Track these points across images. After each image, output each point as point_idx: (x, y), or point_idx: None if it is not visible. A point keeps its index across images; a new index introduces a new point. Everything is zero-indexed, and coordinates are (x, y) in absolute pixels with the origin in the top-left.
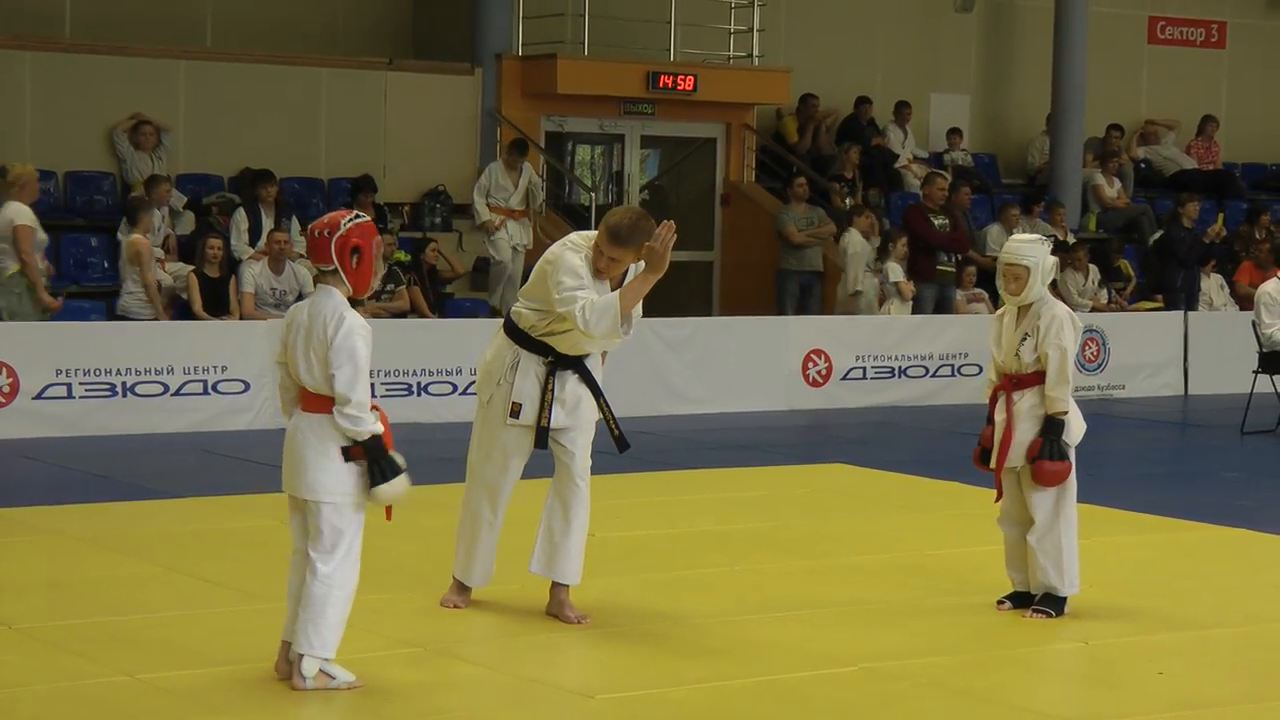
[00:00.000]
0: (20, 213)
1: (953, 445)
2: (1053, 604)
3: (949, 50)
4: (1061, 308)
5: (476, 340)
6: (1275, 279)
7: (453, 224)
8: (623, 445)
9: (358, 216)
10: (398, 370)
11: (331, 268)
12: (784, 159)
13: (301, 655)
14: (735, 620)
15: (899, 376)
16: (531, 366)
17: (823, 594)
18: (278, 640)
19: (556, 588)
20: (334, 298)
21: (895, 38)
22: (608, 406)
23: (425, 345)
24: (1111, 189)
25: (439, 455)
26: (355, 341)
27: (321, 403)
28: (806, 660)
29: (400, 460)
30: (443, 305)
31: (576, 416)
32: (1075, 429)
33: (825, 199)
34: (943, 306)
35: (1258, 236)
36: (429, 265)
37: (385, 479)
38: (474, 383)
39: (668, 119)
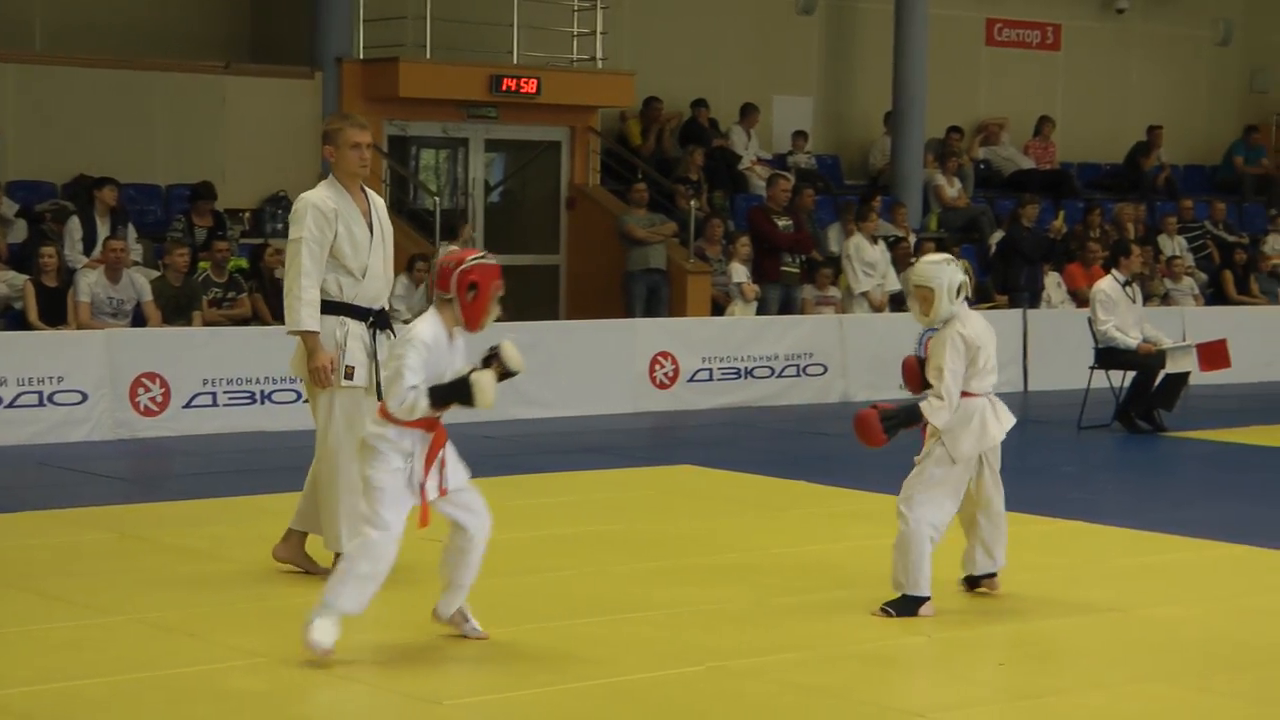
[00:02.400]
0: None
1: (799, 445)
2: (899, 605)
3: (791, 53)
4: (953, 328)
5: None
6: (1109, 277)
7: None
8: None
9: (484, 257)
10: (240, 378)
11: (449, 296)
12: (628, 162)
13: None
14: (584, 622)
15: (745, 377)
16: (360, 331)
17: (672, 594)
18: (120, 653)
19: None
20: (427, 318)
21: (738, 40)
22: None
23: (269, 352)
24: (952, 189)
25: (284, 464)
26: (403, 348)
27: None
28: (656, 660)
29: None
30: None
31: None
32: (964, 444)
33: (670, 202)
34: (787, 307)
35: (1092, 236)
36: (269, 270)
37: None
38: None
39: (511, 122)
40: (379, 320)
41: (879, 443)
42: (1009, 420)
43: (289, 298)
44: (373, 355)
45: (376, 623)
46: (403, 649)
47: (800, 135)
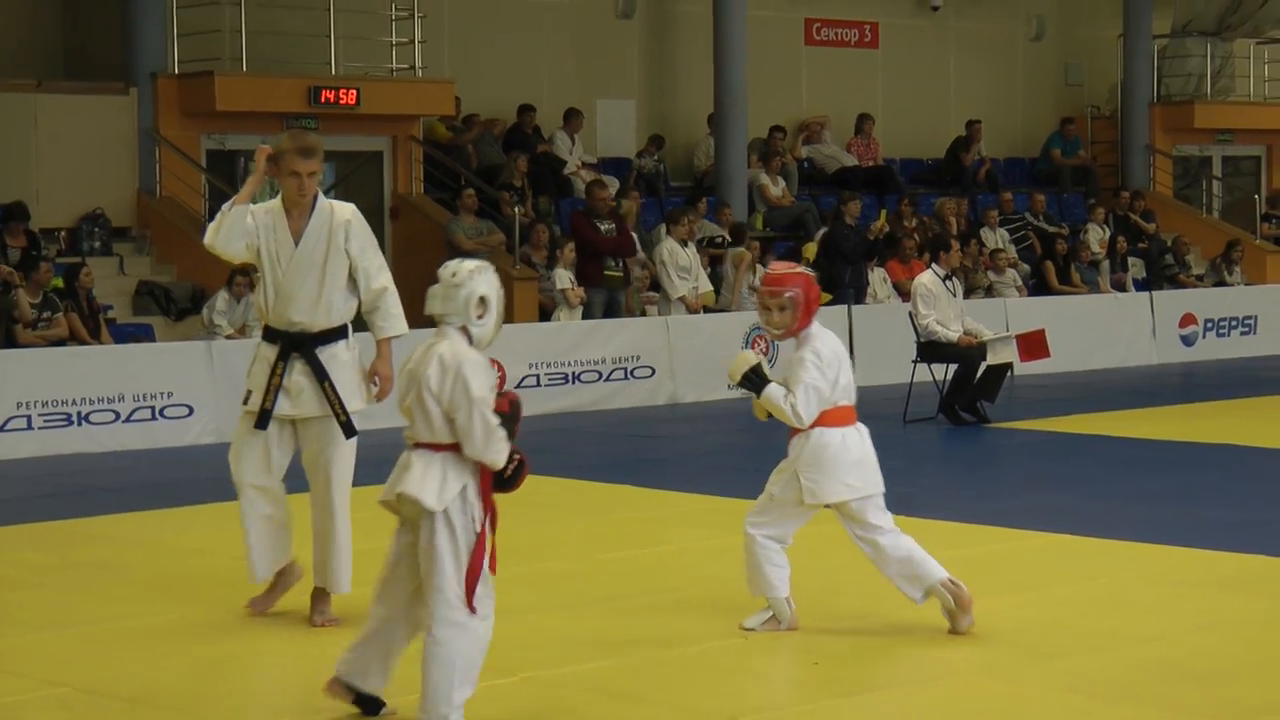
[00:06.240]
0: None
1: (627, 448)
2: None
3: (613, 56)
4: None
5: (138, 366)
6: (929, 271)
7: (113, 247)
8: (349, 431)
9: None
10: (57, 400)
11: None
12: (453, 170)
13: None
14: None
15: (572, 382)
16: (265, 354)
17: (499, 603)
18: None
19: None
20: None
21: (559, 46)
22: (334, 392)
23: (85, 373)
24: (776, 188)
25: (100, 486)
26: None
27: None
28: None
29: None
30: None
31: (300, 407)
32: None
33: (495, 209)
34: (612, 311)
35: (907, 226)
36: (85, 290)
37: None
38: (136, 410)
39: (332, 133)
40: (292, 343)
41: None
42: None
43: None
44: (278, 380)
45: (188, 651)
46: (211, 677)
47: (654, 140)
